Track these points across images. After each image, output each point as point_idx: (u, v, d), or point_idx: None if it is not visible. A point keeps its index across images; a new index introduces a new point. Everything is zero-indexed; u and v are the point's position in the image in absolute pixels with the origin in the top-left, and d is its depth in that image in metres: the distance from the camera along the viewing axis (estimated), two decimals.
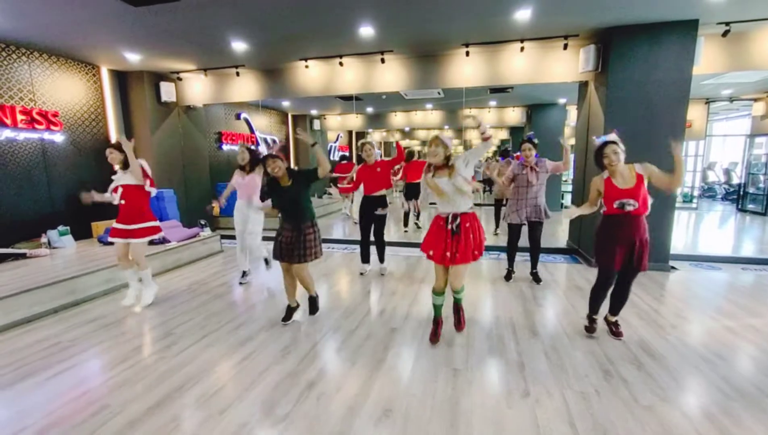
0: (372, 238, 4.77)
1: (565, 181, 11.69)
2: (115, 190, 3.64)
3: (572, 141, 10.71)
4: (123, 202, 3.62)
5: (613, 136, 2.75)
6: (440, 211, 2.84)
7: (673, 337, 3.08)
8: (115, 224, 3.68)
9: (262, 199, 3.55)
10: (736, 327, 3.27)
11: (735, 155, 12.40)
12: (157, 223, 3.83)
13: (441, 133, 2.80)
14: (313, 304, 3.54)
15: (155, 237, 3.82)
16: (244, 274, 4.60)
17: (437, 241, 2.81)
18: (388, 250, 4.89)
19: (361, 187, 4.62)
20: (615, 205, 2.73)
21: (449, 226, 2.76)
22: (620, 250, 2.78)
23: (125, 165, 3.61)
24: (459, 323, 3.07)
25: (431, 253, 2.85)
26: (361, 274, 4.83)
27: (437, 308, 3.05)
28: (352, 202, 9.52)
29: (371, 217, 4.58)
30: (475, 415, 2.16)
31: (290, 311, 3.45)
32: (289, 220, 3.26)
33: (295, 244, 3.20)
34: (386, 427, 2.07)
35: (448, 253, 2.76)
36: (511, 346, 2.95)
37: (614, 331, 3.05)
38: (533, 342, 3.02)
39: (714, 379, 2.51)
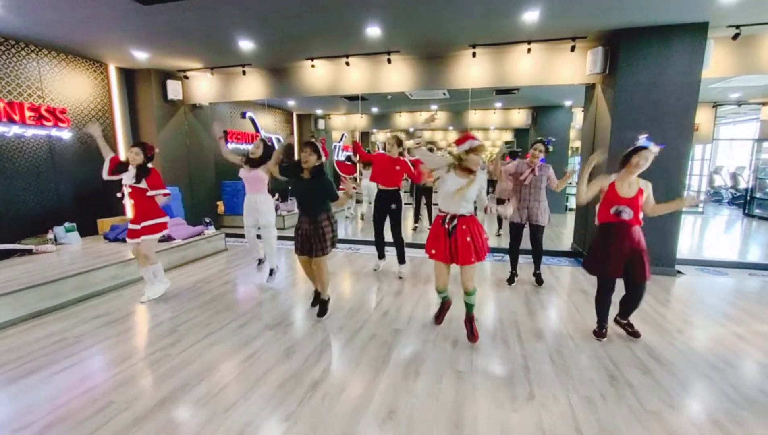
0: (384, 237, 4.73)
1: (570, 183, 11.62)
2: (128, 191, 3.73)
3: (578, 143, 10.69)
4: (132, 201, 3.75)
5: (654, 148, 2.70)
6: (441, 209, 2.91)
7: (679, 343, 3.05)
8: (129, 225, 3.83)
9: (280, 172, 3.58)
10: (744, 333, 3.24)
11: (742, 159, 12.31)
12: (164, 220, 3.89)
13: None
14: (324, 307, 3.52)
15: (162, 233, 3.91)
16: (271, 272, 4.44)
17: (437, 240, 2.88)
18: (391, 250, 4.87)
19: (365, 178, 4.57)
20: (611, 211, 2.78)
21: (445, 225, 2.84)
22: (614, 258, 2.80)
23: (141, 168, 3.67)
24: (472, 335, 3.01)
25: (433, 251, 2.91)
26: (375, 269, 4.80)
27: (444, 297, 3.14)
28: (355, 202, 9.49)
29: (385, 212, 4.55)
30: (480, 417, 2.15)
31: (318, 298, 3.62)
32: (305, 213, 3.35)
33: (312, 236, 3.30)
34: (390, 428, 2.06)
35: (450, 251, 2.82)
36: (515, 349, 2.93)
37: (630, 331, 3.06)
38: (538, 345, 3.00)
39: (722, 385, 2.48)
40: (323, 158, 3.28)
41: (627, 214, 2.73)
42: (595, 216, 2.98)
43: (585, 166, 2.98)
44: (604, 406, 2.26)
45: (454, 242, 2.80)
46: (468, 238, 2.78)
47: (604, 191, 2.87)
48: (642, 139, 2.75)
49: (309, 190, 3.28)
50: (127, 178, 3.69)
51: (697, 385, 2.50)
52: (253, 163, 4.23)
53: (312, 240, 3.31)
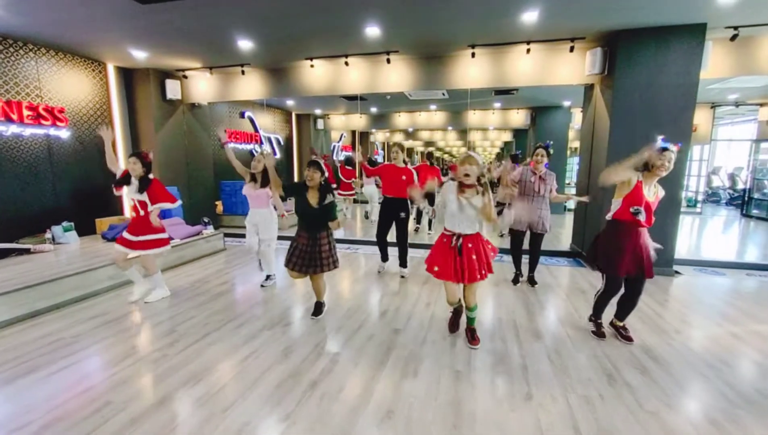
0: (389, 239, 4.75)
1: (568, 184, 11.65)
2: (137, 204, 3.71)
3: (576, 144, 10.71)
4: (134, 214, 3.71)
5: (674, 148, 2.72)
6: (447, 228, 2.87)
7: (677, 343, 3.06)
8: (124, 233, 3.72)
9: (285, 191, 3.46)
10: (741, 333, 3.25)
11: (740, 160, 12.35)
12: (165, 236, 3.86)
13: (472, 151, 2.77)
14: (318, 308, 3.54)
15: (163, 249, 3.86)
16: (267, 277, 4.44)
17: (444, 259, 2.84)
18: (391, 251, 4.88)
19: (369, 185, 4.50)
20: (631, 210, 2.76)
21: (452, 245, 2.81)
22: (627, 257, 2.81)
23: (143, 179, 3.64)
24: (473, 339, 2.99)
25: (436, 269, 2.87)
26: (379, 271, 4.84)
27: (456, 307, 3.17)
28: (350, 203, 9.45)
29: (391, 218, 4.59)
30: (478, 417, 2.15)
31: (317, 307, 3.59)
32: (305, 229, 3.29)
33: (310, 253, 3.23)
34: (389, 428, 2.06)
35: (457, 270, 2.80)
36: (513, 349, 2.93)
37: (624, 335, 3.05)
38: (536, 345, 3.01)
39: (719, 385, 2.49)
40: (326, 174, 3.26)
41: (642, 216, 2.74)
42: (610, 211, 2.93)
43: (622, 171, 2.74)
44: (602, 405, 2.26)
45: (461, 261, 2.78)
46: (473, 257, 2.78)
47: (630, 187, 2.78)
48: (660, 141, 2.74)
49: (316, 215, 3.22)
50: (131, 191, 3.66)
51: (694, 384, 2.51)
52: (258, 180, 4.19)
53: (310, 257, 3.24)
